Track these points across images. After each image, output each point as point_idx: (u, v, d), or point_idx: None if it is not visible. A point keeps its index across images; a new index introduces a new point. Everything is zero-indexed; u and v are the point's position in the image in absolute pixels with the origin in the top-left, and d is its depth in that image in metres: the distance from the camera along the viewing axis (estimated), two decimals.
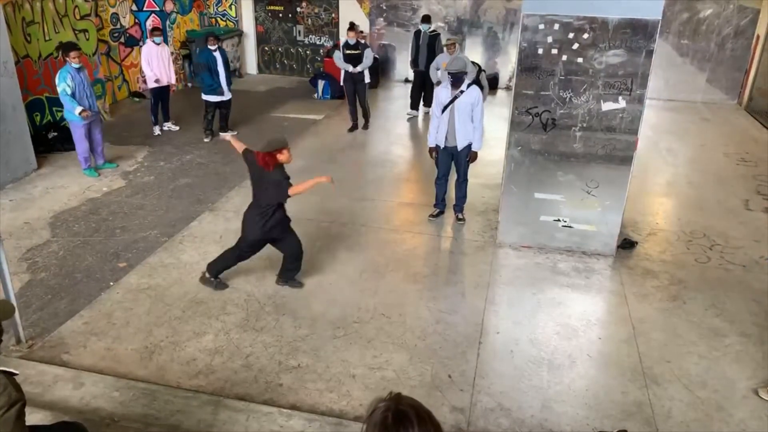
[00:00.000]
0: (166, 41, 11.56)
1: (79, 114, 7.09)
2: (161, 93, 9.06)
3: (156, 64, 8.80)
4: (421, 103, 10.36)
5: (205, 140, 8.98)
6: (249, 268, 5.42)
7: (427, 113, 9.90)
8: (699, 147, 9.36)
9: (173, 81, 9.19)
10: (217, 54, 8.60)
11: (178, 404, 3.79)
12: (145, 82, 9.56)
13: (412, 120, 10.38)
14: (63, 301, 4.99)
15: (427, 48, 9.81)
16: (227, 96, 8.85)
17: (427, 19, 10.02)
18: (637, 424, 3.82)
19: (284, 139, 4.80)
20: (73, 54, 7.09)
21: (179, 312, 4.86)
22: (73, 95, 7.07)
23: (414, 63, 10.13)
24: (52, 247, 5.84)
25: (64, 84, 7.01)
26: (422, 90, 10.20)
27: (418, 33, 9.99)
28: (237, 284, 5.25)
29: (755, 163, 8.53)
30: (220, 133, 8.85)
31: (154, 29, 9.04)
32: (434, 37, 9.88)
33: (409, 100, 10.51)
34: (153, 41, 8.83)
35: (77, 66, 7.13)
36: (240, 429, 3.62)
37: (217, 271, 5.14)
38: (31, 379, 3.93)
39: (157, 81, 8.85)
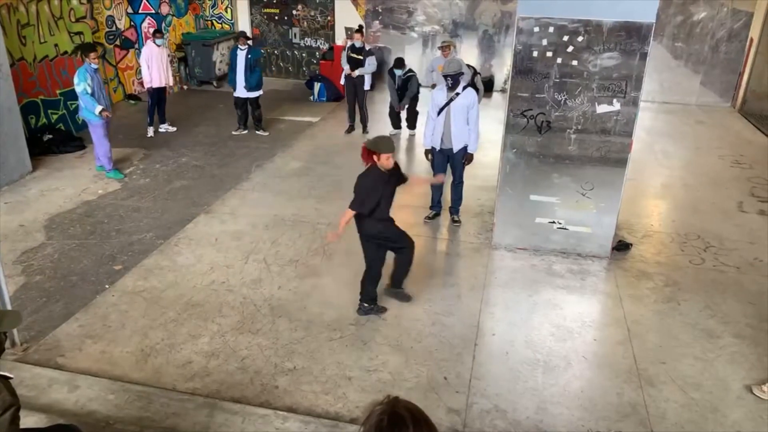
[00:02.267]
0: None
1: (99, 113, 7.13)
2: (159, 94, 9.10)
3: (155, 65, 8.85)
4: (405, 124, 9.73)
5: (233, 132, 9.45)
6: (246, 271, 5.42)
7: (413, 135, 9.74)
8: (693, 149, 9.40)
9: (171, 83, 9.29)
10: (239, 53, 8.88)
11: (173, 407, 3.79)
12: (142, 83, 9.62)
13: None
14: (58, 304, 4.98)
15: (398, 91, 9.19)
16: (241, 93, 9.16)
17: (399, 63, 9.11)
18: (632, 425, 3.83)
19: (391, 144, 4.51)
20: (92, 55, 7.20)
21: (175, 315, 4.85)
22: (92, 95, 7.10)
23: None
24: (47, 250, 5.82)
25: (84, 84, 7.04)
26: (399, 117, 9.63)
27: (392, 73, 9.19)
28: (233, 287, 5.25)
29: (749, 165, 8.58)
30: (257, 132, 9.51)
31: (156, 31, 9.12)
32: (407, 80, 9.13)
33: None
34: (155, 42, 8.88)
35: (95, 67, 7.21)
36: (236, 431, 3.62)
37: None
38: (26, 382, 3.92)
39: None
